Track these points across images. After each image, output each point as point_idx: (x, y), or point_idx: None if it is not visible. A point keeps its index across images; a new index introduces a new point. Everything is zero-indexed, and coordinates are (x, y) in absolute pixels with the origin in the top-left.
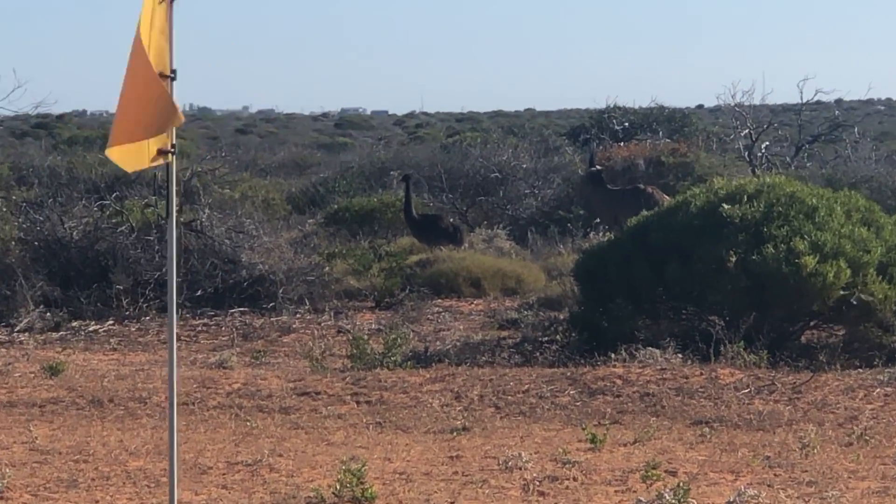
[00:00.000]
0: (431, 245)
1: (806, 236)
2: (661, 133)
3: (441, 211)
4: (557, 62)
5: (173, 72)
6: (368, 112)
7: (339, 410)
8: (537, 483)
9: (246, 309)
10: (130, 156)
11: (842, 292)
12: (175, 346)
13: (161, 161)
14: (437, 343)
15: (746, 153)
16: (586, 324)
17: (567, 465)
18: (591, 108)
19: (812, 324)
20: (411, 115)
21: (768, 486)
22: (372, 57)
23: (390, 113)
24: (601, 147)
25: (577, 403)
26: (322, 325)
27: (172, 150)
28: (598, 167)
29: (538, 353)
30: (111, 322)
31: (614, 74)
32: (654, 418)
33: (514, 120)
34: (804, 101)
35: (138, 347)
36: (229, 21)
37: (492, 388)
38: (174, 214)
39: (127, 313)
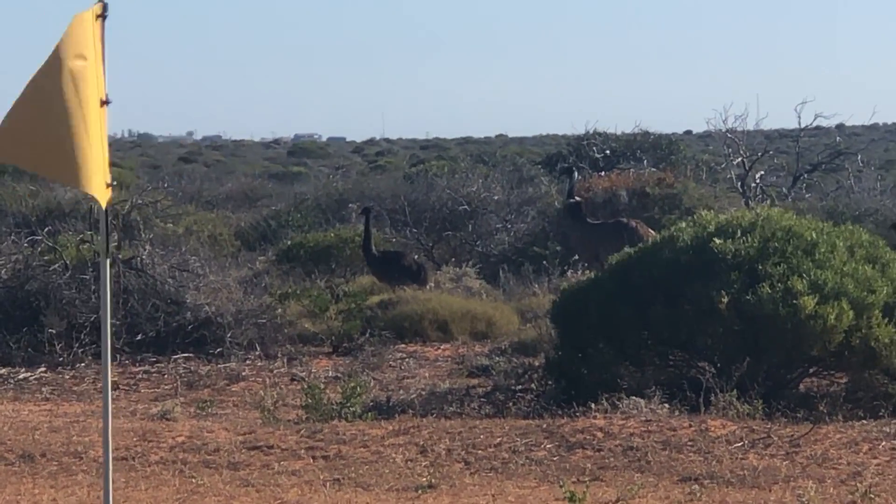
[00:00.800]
0: (393, 284)
1: (805, 275)
2: (645, 161)
3: (404, 247)
4: (532, 84)
5: (107, 96)
6: (324, 139)
7: (293, 466)
8: None
9: (191, 354)
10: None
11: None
12: (111, 396)
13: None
14: (401, 392)
15: (739, 183)
16: (564, 371)
17: None
18: (568, 134)
19: (811, 370)
20: (371, 141)
21: None
22: (328, 79)
23: (348, 139)
24: (580, 177)
25: (554, 458)
26: (274, 372)
27: (113, 182)
28: (578, 198)
29: (511, 403)
30: (43, 369)
31: (595, 97)
32: (639, 474)
33: (485, 147)
34: (802, 126)
35: (73, 397)
36: (172, 40)
37: (460, 441)
38: (107, 251)
39: (60, 359)
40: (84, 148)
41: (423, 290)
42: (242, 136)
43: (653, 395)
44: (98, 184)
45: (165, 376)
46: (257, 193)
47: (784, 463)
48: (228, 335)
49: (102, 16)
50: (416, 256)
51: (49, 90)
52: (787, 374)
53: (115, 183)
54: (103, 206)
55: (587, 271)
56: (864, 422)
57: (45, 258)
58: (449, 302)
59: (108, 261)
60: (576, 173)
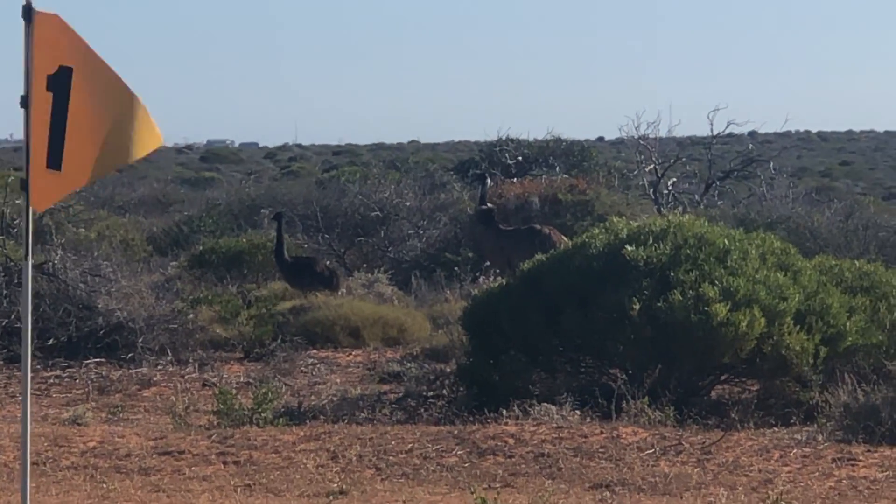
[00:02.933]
0: (305, 290)
1: (717, 282)
2: (557, 168)
3: (317, 253)
4: (444, 90)
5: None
6: (237, 144)
7: (205, 471)
8: None
9: (102, 359)
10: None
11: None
12: (29, 400)
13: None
14: (312, 398)
15: (652, 190)
16: (475, 377)
17: None
18: (481, 140)
19: (723, 378)
20: (284, 147)
21: None
22: (241, 84)
23: (261, 145)
24: (492, 183)
25: (466, 465)
26: (186, 377)
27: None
28: (490, 205)
29: (423, 410)
30: None
31: (507, 103)
32: (550, 481)
33: (397, 153)
34: (715, 133)
35: None
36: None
37: (372, 447)
38: (30, 255)
39: None
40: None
41: (336, 296)
42: None
43: (564, 401)
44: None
45: (77, 381)
46: (170, 199)
47: (695, 470)
48: (140, 340)
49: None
50: (328, 262)
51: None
52: (698, 381)
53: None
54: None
55: (499, 278)
56: (776, 429)
57: None
58: (361, 308)
59: (29, 263)
60: (488, 180)
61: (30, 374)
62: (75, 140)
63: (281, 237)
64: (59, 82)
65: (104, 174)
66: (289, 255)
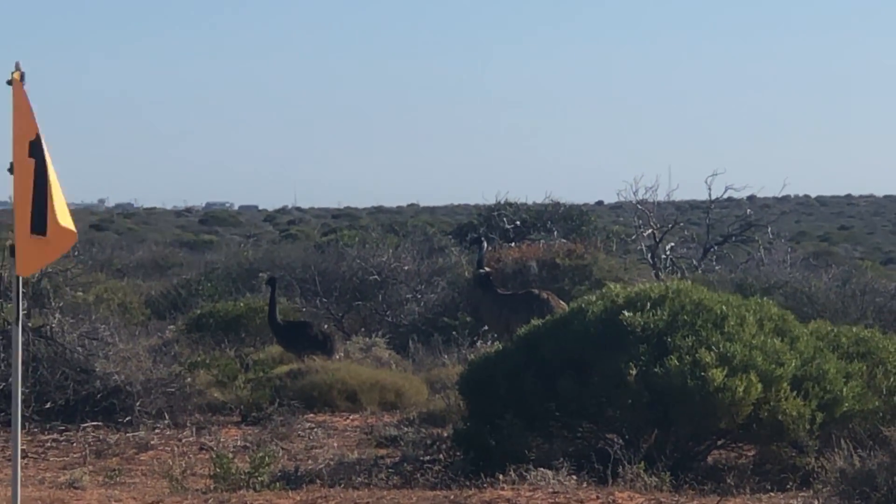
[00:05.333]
0: (300, 354)
1: (714, 347)
2: (555, 232)
3: (314, 317)
4: (443, 154)
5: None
6: (236, 207)
7: None
8: None
9: (100, 423)
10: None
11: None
12: (20, 464)
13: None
14: (309, 462)
15: (650, 255)
16: (472, 442)
17: None
18: (479, 203)
19: (720, 443)
20: (283, 210)
21: None
22: (241, 147)
23: (260, 208)
24: (490, 247)
25: None
26: (183, 441)
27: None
28: (487, 269)
29: (419, 474)
30: None
31: (505, 167)
32: None
33: (396, 216)
34: (713, 197)
35: None
36: (84, 107)
37: None
38: (20, 319)
39: None
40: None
41: (332, 360)
42: (154, 203)
43: (561, 466)
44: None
45: (74, 445)
46: (168, 262)
47: None
48: (137, 404)
49: (8, 81)
50: (324, 326)
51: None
52: (695, 446)
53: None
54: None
55: (497, 342)
56: (772, 494)
57: None
58: (358, 372)
59: (19, 328)
60: (485, 244)
61: (20, 438)
62: (57, 205)
63: (274, 301)
64: (38, 149)
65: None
66: (282, 320)
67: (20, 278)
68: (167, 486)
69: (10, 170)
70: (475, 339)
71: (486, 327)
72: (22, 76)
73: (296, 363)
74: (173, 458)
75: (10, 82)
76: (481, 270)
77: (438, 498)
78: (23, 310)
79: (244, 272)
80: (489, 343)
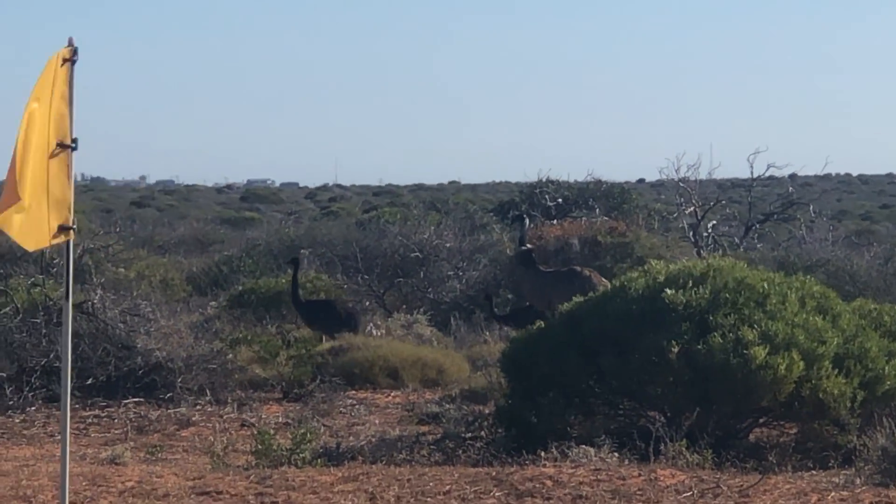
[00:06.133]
0: (324, 332)
1: (755, 325)
2: (597, 210)
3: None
4: (485, 132)
5: (74, 141)
6: (277, 184)
7: None
8: None
9: (141, 399)
10: (31, 233)
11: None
12: (67, 440)
13: (62, 239)
14: (351, 439)
15: (691, 232)
16: (514, 419)
17: None
18: (521, 181)
19: (761, 421)
20: (324, 187)
21: None
22: (282, 124)
23: (301, 185)
24: (532, 225)
25: None
26: (224, 417)
27: (73, 226)
28: (529, 246)
29: (461, 451)
30: None
31: (548, 145)
32: None
33: (437, 194)
34: (755, 175)
35: (23, 440)
36: (125, 83)
37: (410, 488)
38: (70, 295)
39: (10, 403)
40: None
41: (361, 335)
42: (195, 180)
43: (602, 443)
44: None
45: (115, 421)
46: (209, 238)
47: None
48: (179, 380)
49: (70, 60)
50: (349, 304)
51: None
52: (736, 423)
53: (74, 227)
54: (28, 249)
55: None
56: (814, 472)
57: None
58: (399, 349)
59: (69, 303)
60: (527, 221)
61: (69, 414)
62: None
63: (296, 281)
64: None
65: None
66: (305, 298)
67: (71, 254)
68: (208, 462)
69: (65, 146)
70: None
71: (528, 304)
72: (75, 52)
73: (338, 340)
74: (215, 435)
75: (69, 59)
76: (523, 247)
77: (480, 475)
78: (69, 286)
79: (285, 249)
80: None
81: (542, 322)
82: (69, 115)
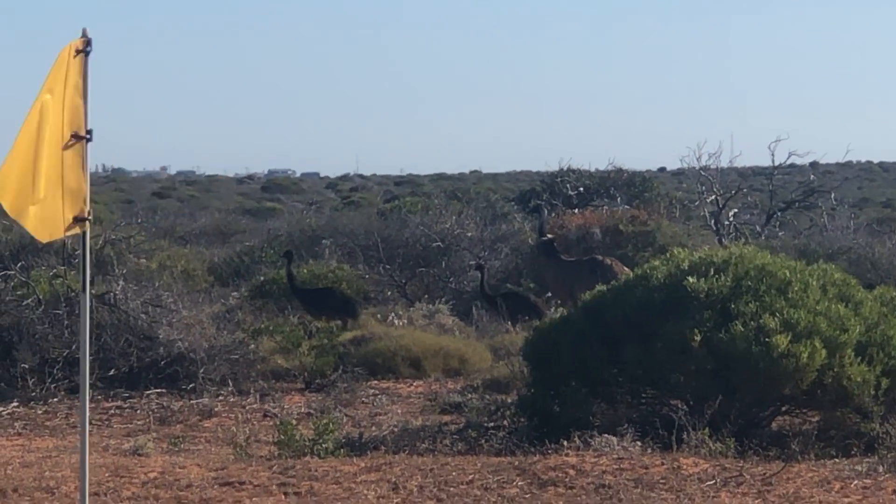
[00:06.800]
0: (324, 319)
1: (777, 313)
2: (619, 199)
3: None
4: (506, 120)
5: (89, 132)
6: (298, 174)
7: (265, 502)
8: None
9: (163, 390)
10: (45, 224)
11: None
12: (88, 431)
13: (77, 230)
14: (373, 429)
15: (713, 221)
16: (536, 408)
17: None
18: (542, 170)
19: (784, 409)
20: (345, 177)
21: None
22: (303, 114)
23: (322, 175)
24: (553, 214)
25: (527, 496)
26: (247, 408)
27: (88, 217)
28: (550, 236)
29: (483, 441)
30: (15, 404)
31: (569, 134)
32: None
33: (458, 183)
34: (776, 164)
35: (45, 432)
36: (145, 74)
37: (433, 478)
38: (88, 286)
39: (33, 394)
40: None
41: (383, 325)
42: (216, 171)
43: (625, 432)
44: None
45: (138, 412)
46: (231, 229)
47: (756, 501)
48: (201, 371)
49: (84, 51)
50: (344, 292)
51: (23, 127)
52: (759, 412)
53: (89, 218)
54: (42, 240)
55: (561, 309)
56: (836, 460)
57: (18, 293)
58: (422, 339)
59: (87, 295)
60: (545, 210)
61: (88, 405)
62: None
63: (291, 272)
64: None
65: None
66: (304, 286)
67: (89, 246)
68: (231, 452)
69: (79, 137)
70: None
71: (549, 294)
72: (88, 42)
73: (360, 330)
74: (237, 425)
75: (82, 49)
76: (544, 237)
77: (503, 464)
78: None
79: (307, 239)
80: (553, 310)
81: (533, 310)
82: (84, 107)
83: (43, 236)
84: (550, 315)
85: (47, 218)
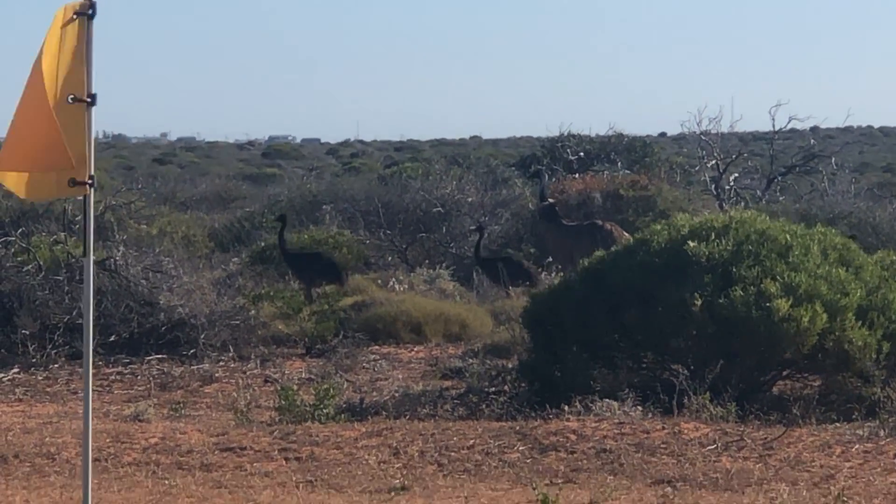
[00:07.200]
0: (310, 283)
1: (778, 277)
2: (619, 164)
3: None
4: (505, 85)
5: (91, 96)
6: (298, 140)
7: (266, 467)
8: None
9: (164, 356)
10: (32, 183)
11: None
12: (90, 397)
13: (76, 191)
14: (374, 394)
15: (713, 186)
16: (537, 373)
17: None
18: (542, 135)
19: (785, 373)
20: (346, 143)
21: None
22: (302, 80)
23: (322, 141)
24: (554, 179)
25: (528, 460)
26: (247, 373)
27: (90, 182)
28: (551, 200)
29: (484, 406)
30: (16, 370)
31: (569, 99)
32: (612, 477)
33: (459, 149)
34: (777, 128)
35: (46, 398)
36: (145, 40)
37: (433, 443)
38: (91, 252)
39: (34, 360)
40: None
41: (384, 290)
42: (217, 137)
43: (626, 397)
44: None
45: (139, 378)
46: (231, 195)
47: (757, 466)
48: (202, 337)
49: (85, 14)
50: (332, 257)
51: (25, 91)
52: (760, 376)
53: (90, 182)
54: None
55: (561, 273)
56: (838, 424)
57: (19, 259)
58: (422, 304)
59: (90, 260)
60: (545, 175)
61: (91, 371)
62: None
63: (283, 237)
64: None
65: None
66: (294, 250)
67: (91, 210)
68: (232, 418)
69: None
70: (540, 270)
71: (550, 259)
72: (91, 6)
73: (361, 295)
74: (238, 391)
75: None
76: (545, 202)
77: (504, 429)
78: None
79: (307, 205)
80: (553, 274)
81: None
82: (85, 71)
83: (29, 195)
84: (542, 280)
85: (34, 177)
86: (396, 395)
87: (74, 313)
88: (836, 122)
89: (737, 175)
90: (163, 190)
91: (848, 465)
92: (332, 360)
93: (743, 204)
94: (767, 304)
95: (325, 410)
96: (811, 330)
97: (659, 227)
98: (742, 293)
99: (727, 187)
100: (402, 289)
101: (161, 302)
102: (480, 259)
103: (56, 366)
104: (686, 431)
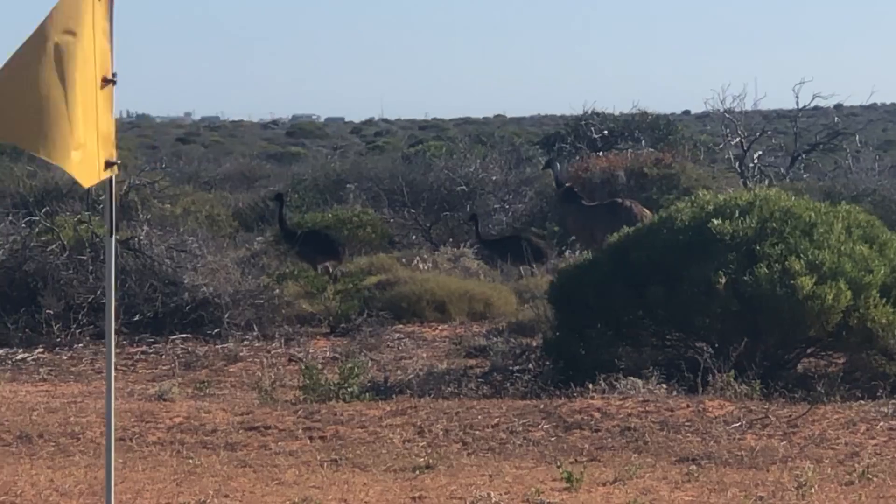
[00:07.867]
0: (310, 262)
1: (802, 255)
2: (643, 142)
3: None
4: (530, 64)
5: (114, 75)
6: (322, 119)
7: (291, 446)
8: None
9: (188, 335)
10: (86, 169)
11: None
12: (113, 376)
13: (109, 174)
14: (398, 373)
15: (737, 163)
16: (561, 351)
17: None
18: (566, 114)
19: (809, 351)
20: (370, 122)
21: None
22: (327, 59)
23: (347, 120)
24: (578, 157)
25: (552, 439)
26: (272, 352)
27: (117, 161)
28: (568, 185)
29: (509, 384)
30: (41, 350)
31: (593, 77)
32: (636, 455)
33: (483, 127)
34: (801, 106)
35: (70, 377)
36: (169, 19)
37: (458, 421)
38: (114, 231)
39: (58, 340)
40: (62, 126)
41: (408, 269)
42: (240, 116)
43: (650, 375)
44: (80, 162)
45: (163, 357)
46: (255, 174)
47: (782, 443)
48: (226, 316)
49: None
50: (330, 235)
51: (31, 65)
52: (784, 354)
53: (118, 162)
54: (84, 185)
55: (585, 252)
56: (862, 402)
57: (43, 239)
58: (447, 282)
59: (113, 239)
60: (556, 164)
61: (114, 351)
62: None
63: (282, 215)
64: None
65: None
66: (293, 228)
67: (114, 190)
68: (256, 397)
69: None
70: (563, 248)
71: (573, 237)
72: None
73: (385, 274)
74: (262, 370)
75: None
76: (562, 187)
77: (528, 407)
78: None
79: (331, 184)
80: (577, 253)
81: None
82: (110, 51)
83: (85, 181)
84: (551, 255)
85: (87, 163)
86: (421, 373)
87: (99, 293)
88: (859, 99)
89: (761, 153)
90: (187, 169)
91: (873, 443)
92: (356, 338)
93: (767, 182)
94: (791, 282)
95: (349, 389)
96: (835, 307)
97: (683, 204)
98: (766, 271)
99: (751, 165)
100: (426, 267)
101: (185, 281)
102: (484, 242)
103: (80, 345)
104: (710, 409)
